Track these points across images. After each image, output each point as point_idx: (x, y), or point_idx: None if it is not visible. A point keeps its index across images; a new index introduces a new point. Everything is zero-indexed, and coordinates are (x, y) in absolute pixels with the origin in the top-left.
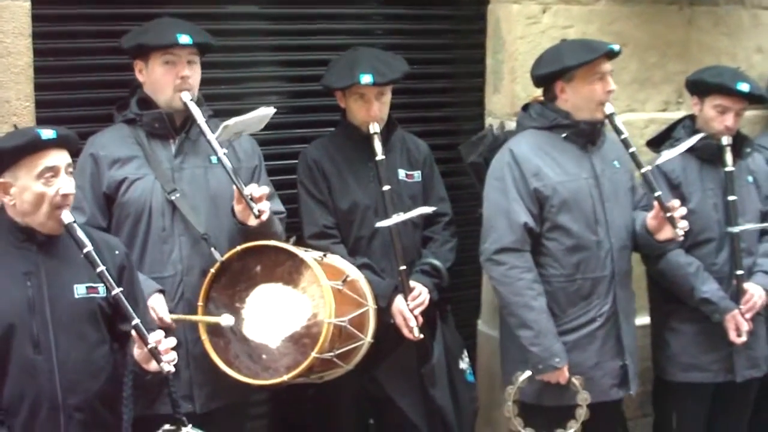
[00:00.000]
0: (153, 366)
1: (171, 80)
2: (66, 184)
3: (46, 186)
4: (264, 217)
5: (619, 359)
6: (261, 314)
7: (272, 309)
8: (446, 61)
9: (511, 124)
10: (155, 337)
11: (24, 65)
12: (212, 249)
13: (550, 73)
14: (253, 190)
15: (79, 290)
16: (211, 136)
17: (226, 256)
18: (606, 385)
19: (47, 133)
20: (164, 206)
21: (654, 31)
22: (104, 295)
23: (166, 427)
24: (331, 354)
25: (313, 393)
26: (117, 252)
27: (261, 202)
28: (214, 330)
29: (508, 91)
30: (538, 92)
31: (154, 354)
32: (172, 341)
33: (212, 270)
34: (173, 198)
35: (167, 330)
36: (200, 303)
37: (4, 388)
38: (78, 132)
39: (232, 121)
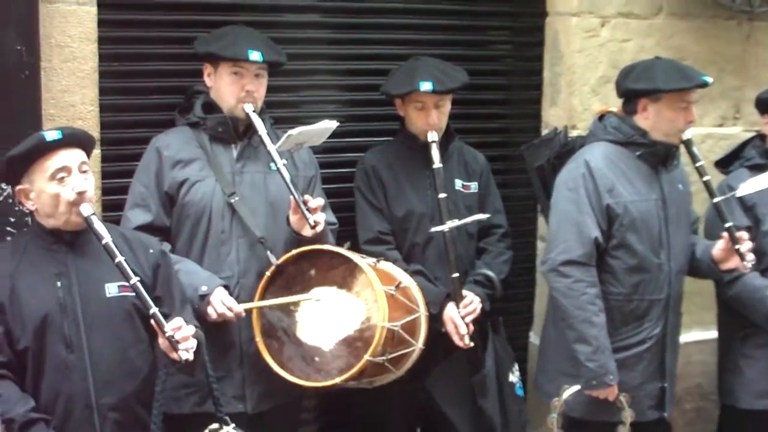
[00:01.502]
0: (176, 355)
1: (236, 91)
2: (80, 182)
3: (60, 186)
4: (319, 228)
5: (659, 381)
6: (315, 317)
7: (326, 312)
8: (504, 73)
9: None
10: (173, 325)
11: (89, 70)
12: (268, 252)
13: (641, 90)
14: (310, 201)
15: (111, 289)
16: (272, 147)
17: (282, 259)
18: (645, 405)
19: (52, 135)
20: (224, 209)
21: (712, 46)
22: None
23: (212, 426)
24: (383, 358)
25: (362, 399)
26: (151, 251)
27: (317, 213)
28: (269, 331)
29: (565, 104)
30: (596, 106)
31: (172, 342)
32: (190, 330)
33: (268, 273)
34: (233, 201)
35: (227, 329)
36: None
37: (41, 388)
38: (141, 137)
39: (295, 131)
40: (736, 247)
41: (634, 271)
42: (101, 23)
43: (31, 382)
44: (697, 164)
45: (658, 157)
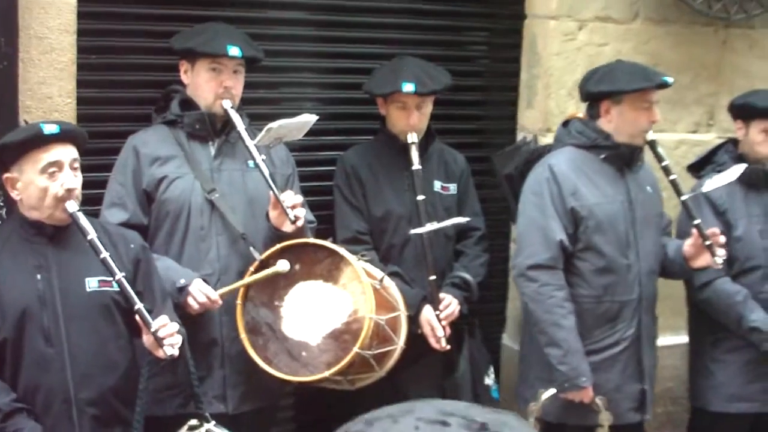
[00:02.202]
0: (161, 352)
1: (214, 88)
2: (70, 179)
3: (50, 180)
4: (299, 223)
5: (638, 383)
6: (300, 312)
7: (312, 306)
8: (481, 74)
9: (545, 140)
10: (159, 322)
11: (67, 62)
12: (251, 248)
13: (602, 92)
14: (289, 197)
15: (91, 284)
16: (250, 143)
17: (266, 254)
18: (624, 408)
19: (50, 128)
20: (203, 205)
21: (688, 52)
22: (118, 288)
23: (192, 422)
24: (370, 353)
25: (336, 400)
26: (132, 245)
27: (296, 209)
28: (253, 328)
29: (541, 106)
30: (572, 109)
31: (157, 338)
32: (174, 326)
33: (251, 268)
34: (212, 197)
35: (209, 325)
36: (239, 302)
37: (19, 380)
38: (118, 130)
39: (275, 124)
40: (707, 243)
41: (603, 272)
42: (81, 15)
43: (10, 374)
44: (663, 164)
45: (623, 159)
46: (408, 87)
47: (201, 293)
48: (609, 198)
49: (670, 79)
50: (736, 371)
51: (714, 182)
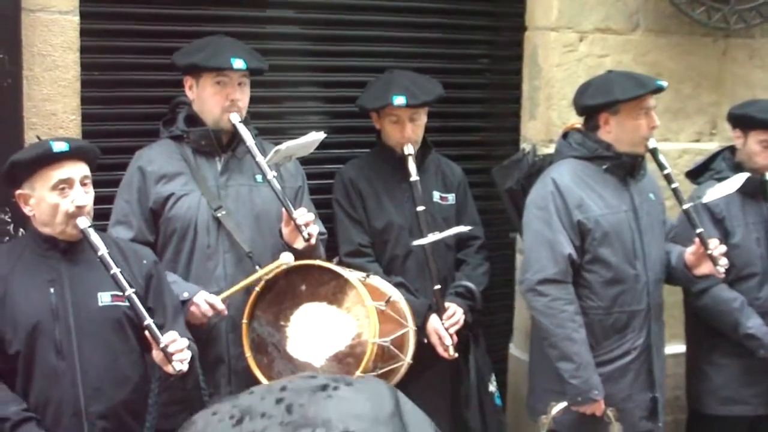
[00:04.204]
0: (170, 368)
1: (221, 101)
2: (80, 196)
3: (60, 197)
4: (312, 240)
5: (649, 392)
6: (305, 333)
7: (317, 328)
8: (483, 87)
9: (545, 150)
10: (168, 337)
11: (71, 79)
12: (257, 267)
13: (598, 105)
14: (302, 214)
15: (103, 298)
16: (261, 159)
17: (272, 274)
18: (636, 417)
19: (59, 146)
20: (210, 223)
21: (688, 62)
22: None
23: None
24: (374, 374)
25: None
26: (145, 261)
27: (309, 226)
28: (258, 347)
29: (543, 117)
30: (574, 119)
31: (166, 354)
32: (184, 342)
33: (257, 288)
34: (219, 215)
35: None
36: (244, 321)
37: (30, 393)
38: (123, 146)
39: (284, 146)
40: (709, 251)
41: (611, 283)
42: (83, 32)
43: (21, 386)
44: (665, 172)
45: (625, 168)
46: (399, 100)
47: (205, 303)
48: (614, 209)
49: (664, 83)
50: (732, 375)
51: (715, 192)
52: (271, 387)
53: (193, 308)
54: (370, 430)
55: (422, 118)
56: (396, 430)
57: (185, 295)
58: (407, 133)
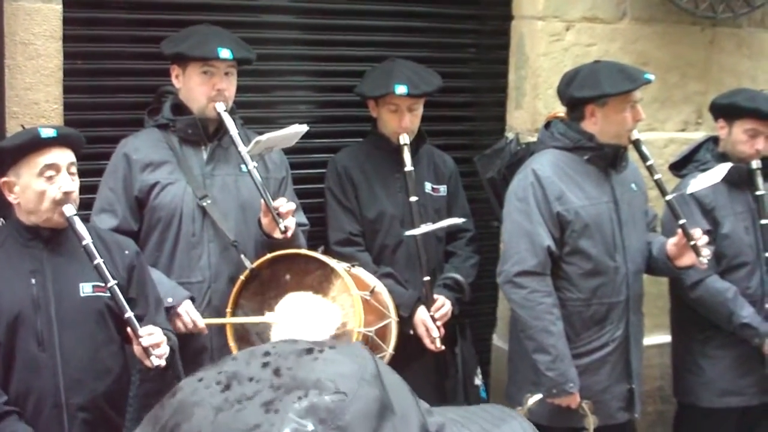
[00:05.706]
0: (148, 362)
1: (207, 91)
2: (67, 182)
3: (47, 183)
4: (289, 233)
5: (626, 383)
6: (290, 322)
7: (301, 317)
8: (469, 76)
9: (529, 138)
10: (147, 330)
11: (54, 68)
12: (242, 256)
13: (587, 97)
14: (281, 205)
15: (85, 289)
16: (243, 149)
17: (257, 263)
18: (613, 408)
19: (47, 132)
20: (195, 212)
21: (676, 51)
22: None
23: None
24: None
25: None
26: (127, 252)
27: (287, 217)
28: (242, 337)
29: (530, 107)
30: (560, 109)
31: (144, 348)
32: (162, 337)
33: (242, 277)
34: (204, 204)
35: (198, 334)
36: (228, 309)
37: (11, 384)
38: (106, 135)
39: (264, 137)
40: (692, 242)
41: (591, 275)
42: (66, 21)
43: (1, 377)
44: (647, 163)
45: (607, 159)
46: (401, 89)
47: (188, 315)
48: (594, 200)
49: (651, 76)
50: (727, 366)
51: (699, 182)
52: (254, 352)
53: (177, 322)
54: (357, 390)
55: (420, 109)
56: (380, 389)
57: (169, 300)
58: (405, 123)
